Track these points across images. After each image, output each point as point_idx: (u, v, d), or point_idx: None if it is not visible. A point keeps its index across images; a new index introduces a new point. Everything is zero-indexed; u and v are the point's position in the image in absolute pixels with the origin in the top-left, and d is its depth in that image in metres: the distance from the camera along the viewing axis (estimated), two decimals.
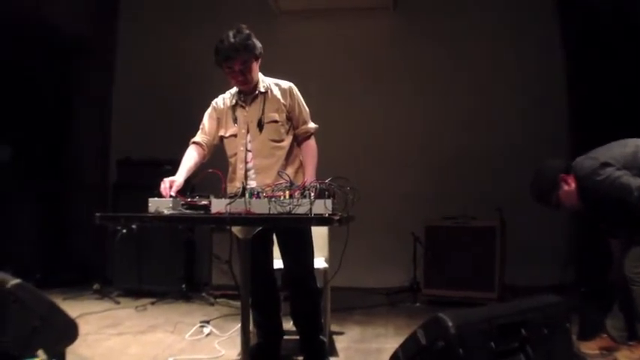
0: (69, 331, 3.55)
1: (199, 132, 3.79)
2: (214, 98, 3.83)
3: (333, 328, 4.73)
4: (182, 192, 3.21)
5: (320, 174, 3.44)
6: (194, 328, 4.76)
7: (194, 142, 3.74)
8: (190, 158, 3.64)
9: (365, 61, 7.11)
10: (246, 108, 3.66)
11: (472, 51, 6.95)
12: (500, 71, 6.88)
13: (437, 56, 7.02)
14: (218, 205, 2.81)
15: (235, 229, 3.04)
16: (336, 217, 2.57)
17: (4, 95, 6.12)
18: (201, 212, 2.90)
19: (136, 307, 5.71)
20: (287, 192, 2.76)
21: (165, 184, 3.27)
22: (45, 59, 6.80)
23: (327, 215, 2.61)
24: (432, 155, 6.95)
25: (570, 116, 6.69)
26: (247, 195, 2.78)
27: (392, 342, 4.32)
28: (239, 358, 3.91)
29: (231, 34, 3.49)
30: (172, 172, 3.56)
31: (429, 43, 7.04)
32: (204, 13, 7.00)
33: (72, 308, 4.52)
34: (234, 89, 3.73)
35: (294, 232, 3.62)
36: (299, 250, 3.67)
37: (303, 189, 2.75)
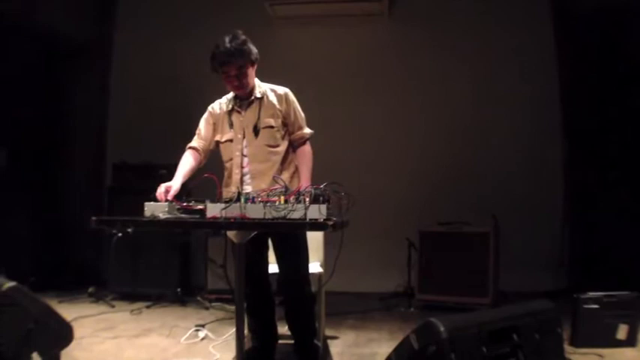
0: (64, 334, 3.56)
1: (195, 137, 3.80)
2: (210, 103, 3.84)
3: (328, 332, 4.74)
4: (178, 197, 3.22)
5: (315, 179, 3.45)
6: (189, 332, 4.78)
7: (190, 147, 3.76)
8: (186, 163, 3.65)
9: (361, 68, 7.14)
10: (242, 113, 3.68)
11: (468, 59, 6.96)
12: (496, 80, 6.89)
13: (432, 64, 7.04)
14: (213, 210, 2.82)
15: (231, 234, 3.06)
16: (330, 223, 2.57)
17: None
18: (197, 217, 2.92)
19: (131, 311, 5.71)
20: (282, 197, 2.77)
21: (161, 189, 3.28)
22: (41, 63, 6.81)
23: (321, 220, 2.62)
24: (428, 162, 6.96)
25: (565, 127, 6.75)
26: (242, 200, 2.79)
27: (386, 347, 4.32)
28: None
29: (227, 39, 3.51)
30: (168, 175, 3.58)
31: (424, 50, 7.07)
32: (201, 19, 7.01)
33: (67, 311, 4.54)
34: (231, 94, 3.75)
35: (289, 237, 3.63)
36: (294, 254, 3.68)
37: (298, 194, 2.76)
